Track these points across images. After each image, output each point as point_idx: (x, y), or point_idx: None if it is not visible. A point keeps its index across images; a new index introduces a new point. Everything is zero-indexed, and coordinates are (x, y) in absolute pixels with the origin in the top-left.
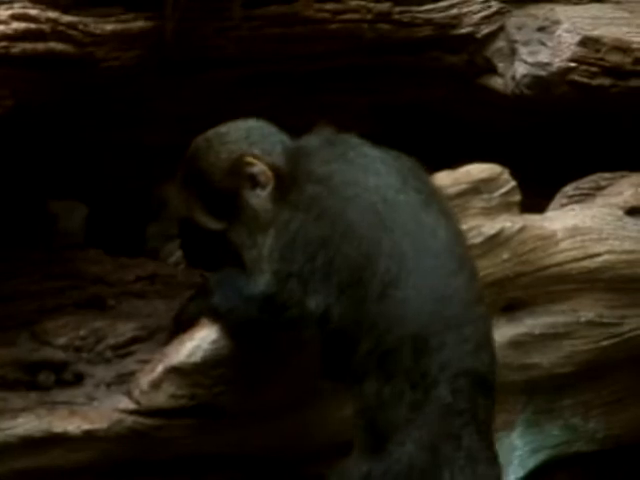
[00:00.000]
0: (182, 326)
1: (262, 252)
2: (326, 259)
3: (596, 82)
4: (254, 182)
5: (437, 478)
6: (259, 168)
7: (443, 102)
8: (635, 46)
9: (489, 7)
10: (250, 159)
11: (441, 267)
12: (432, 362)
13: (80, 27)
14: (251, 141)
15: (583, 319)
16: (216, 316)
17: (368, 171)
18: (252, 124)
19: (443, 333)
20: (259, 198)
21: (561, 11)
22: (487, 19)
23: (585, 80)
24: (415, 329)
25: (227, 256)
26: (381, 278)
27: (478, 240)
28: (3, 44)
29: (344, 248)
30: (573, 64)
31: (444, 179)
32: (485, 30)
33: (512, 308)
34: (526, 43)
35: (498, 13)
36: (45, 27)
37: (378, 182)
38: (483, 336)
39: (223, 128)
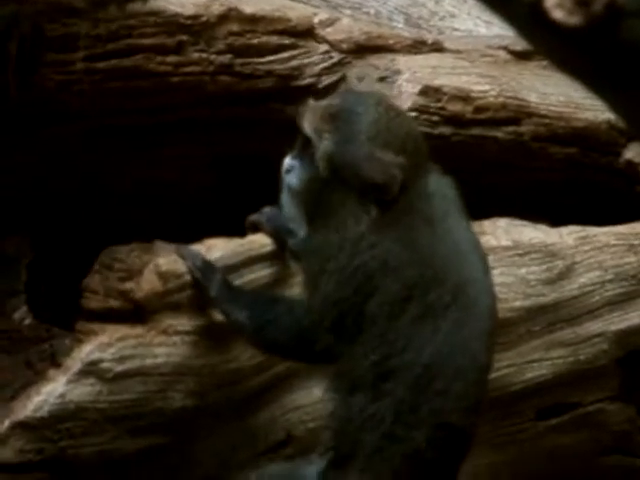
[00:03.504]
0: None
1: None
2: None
3: (437, 131)
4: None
5: None
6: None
7: (285, 154)
8: (475, 95)
9: (330, 58)
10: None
11: (473, 329)
12: (427, 403)
13: None
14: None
15: None
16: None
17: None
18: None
19: (451, 381)
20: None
21: (402, 61)
22: (328, 70)
23: (426, 129)
24: (428, 361)
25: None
26: (426, 304)
27: None
28: None
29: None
30: (414, 113)
31: None
32: (326, 81)
33: None
34: None
35: (339, 64)
36: None
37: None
38: (478, 403)
39: (396, 118)
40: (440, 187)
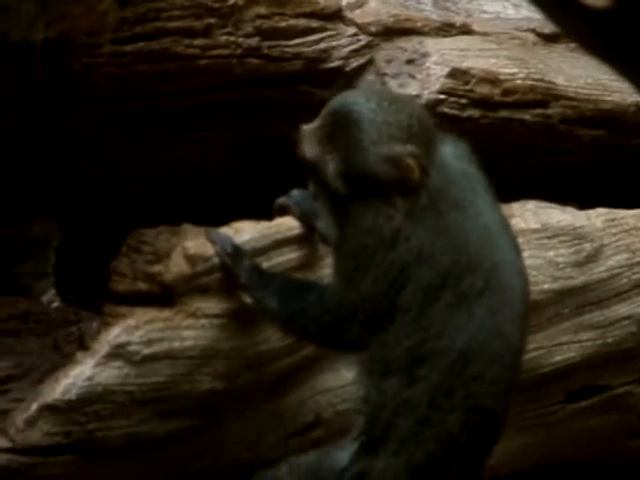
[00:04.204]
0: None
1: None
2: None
3: (466, 114)
4: (402, 187)
5: None
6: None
7: None
8: (503, 77)
9: (358, 40)
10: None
11: (507, 313)
12: (461, 387)
13: None
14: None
15: None
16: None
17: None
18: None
19: (486, 366)
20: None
21: (430, 44)
22: (356, 52)
23: (455, 112)
24: (464, 347)
25: (337, 218)
26: (460, 291)
27: None
28: None
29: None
30: (442, 96)
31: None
32: (354, 63)
33: None
34: (395, 76)
35: (367, 46)
36: None
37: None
38: (511, 386)
39: (391, 106)
40: (459, 160)
